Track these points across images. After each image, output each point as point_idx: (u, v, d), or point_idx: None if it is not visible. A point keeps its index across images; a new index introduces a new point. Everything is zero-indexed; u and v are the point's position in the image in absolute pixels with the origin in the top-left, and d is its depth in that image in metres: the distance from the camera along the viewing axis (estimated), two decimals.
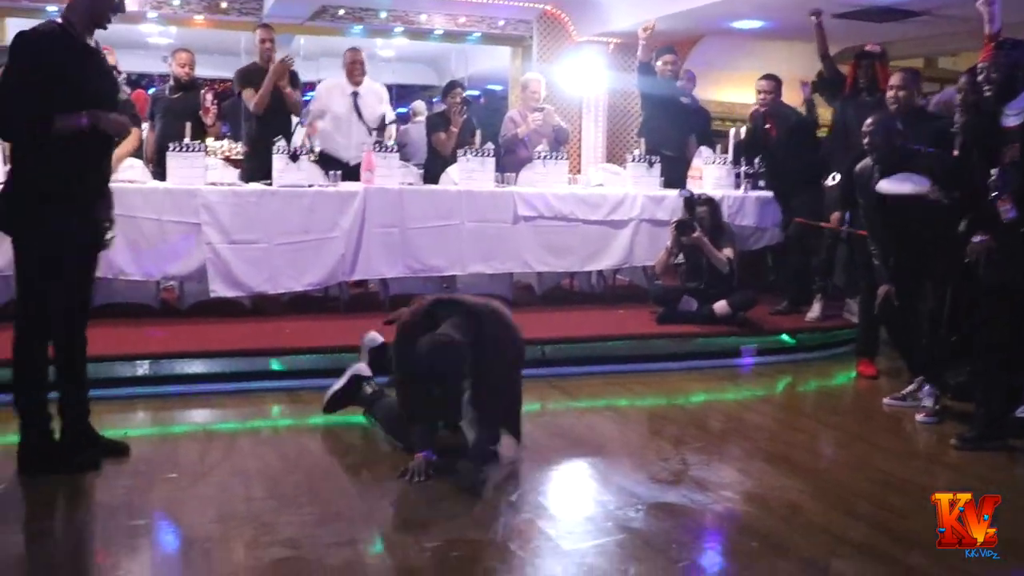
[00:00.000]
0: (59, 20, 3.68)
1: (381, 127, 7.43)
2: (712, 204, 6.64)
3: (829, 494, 3.85)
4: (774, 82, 7.18)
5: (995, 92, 4.35)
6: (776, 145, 7.19)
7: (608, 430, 4.82)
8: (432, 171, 7.45)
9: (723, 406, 5.29)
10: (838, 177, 6.61)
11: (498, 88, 14.26)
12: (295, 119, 7.44)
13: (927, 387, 5.14)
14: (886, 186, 5.01)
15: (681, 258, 6.62)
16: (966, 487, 3.88)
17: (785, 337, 6.51)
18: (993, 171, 4.20)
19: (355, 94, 7.30)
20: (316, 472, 3.90)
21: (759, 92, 7.18)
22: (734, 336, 6.34)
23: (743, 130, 7.77)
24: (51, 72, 3.53)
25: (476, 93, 13.58)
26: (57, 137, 3.51)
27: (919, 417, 5.01)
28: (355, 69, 7.33)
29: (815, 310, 6.88)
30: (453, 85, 7.85)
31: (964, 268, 5.01)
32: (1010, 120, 4.29)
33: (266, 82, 6.75)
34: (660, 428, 4.83)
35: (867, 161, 5.23)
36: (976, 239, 4.45)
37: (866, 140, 5.09)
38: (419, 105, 11.04)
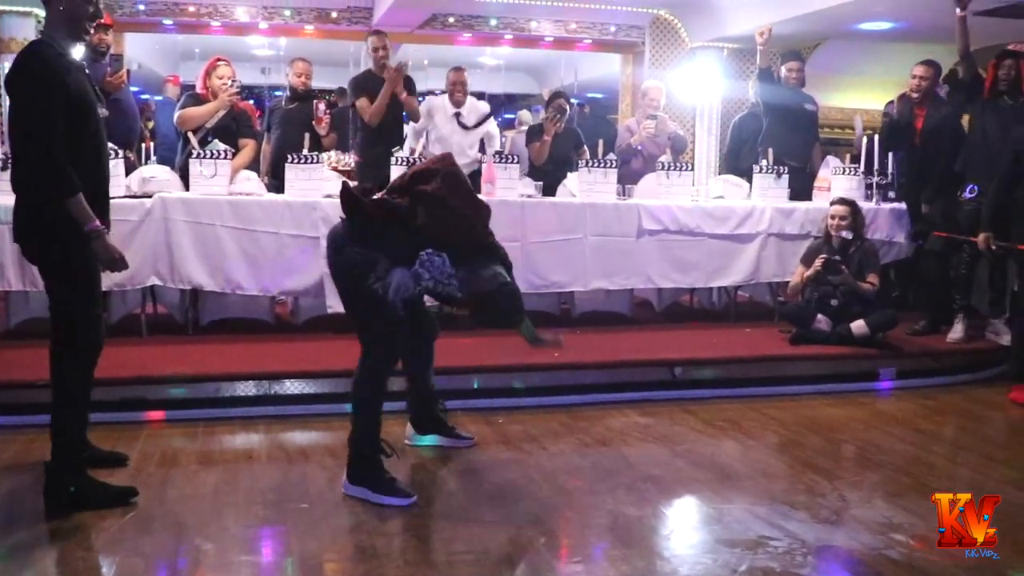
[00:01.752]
0: (43, 40, 3.49)
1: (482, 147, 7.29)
2: (862, 241, 6.33)
3: (1017, 542, 3.49)
4: (933, 69, 6.75)
5: None
6: (922, 140, 6.77)
7: (753, 460, 4.51)
8: (546, 183, 7.23)
9: (870, 434, 4.92)
10: (976, 190, 6.21)
11: (600, 96, 14.03)
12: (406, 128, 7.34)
13: None
14: None
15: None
16: None
17: (927, 360, 6.11)
18: None
19: (457, 115, 7.18)
20: (455, 506, 3.71)
21: (914, 77, 6.75)
22: (872, 358, 5.97)
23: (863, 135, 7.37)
24: (68, 100, 3.39)
25: (577, 102, 13.37)
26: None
27: None
28: (456, 90, 7.22)
29: (957, 331, 6.45)
30: (556, 95, 7.64)
31: None
32: None
33: (382, 93, 6.64)
34: (808, 459, 4.49)
35: None
36: None
37: None
38: (525, 115, 10.88)
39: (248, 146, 6.40)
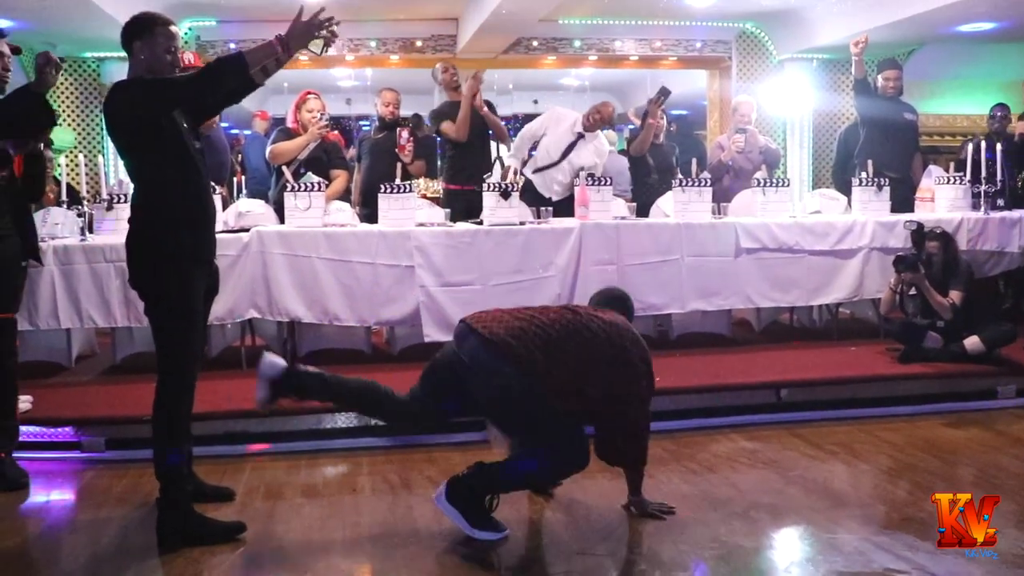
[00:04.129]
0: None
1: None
2: (946, 239, 6.01)
3: None
4: None
5: None
6: None
7: (868, 485, 4.33)
8: (640, 203, 7.13)
9: (992, 456, 4.67)
10: None
11: (686, 113, 13.86)
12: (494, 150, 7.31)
13: None
14: None
15: (913, 290, 6.01)
16: None
17: None
18: None
19: (580, 135, 7.07)
20: (561, 540, 3.61)
21: None
22: (990, 375, 5.70)
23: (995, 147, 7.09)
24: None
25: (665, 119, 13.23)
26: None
27: None
28: (594, 121, 7.06)
29: None
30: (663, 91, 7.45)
31: None
32: None
33: (463, 102, 6.65)
34: (927, 483, 4.26)
35: None
36: None
37: None
38: (611, 135, 10.78)
39: (340, 176, 6.46)
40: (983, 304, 6.36)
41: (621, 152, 8.63)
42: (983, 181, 6.93)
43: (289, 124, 6.47)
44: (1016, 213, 6.84)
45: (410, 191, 6.04)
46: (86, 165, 6.37)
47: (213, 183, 5.81)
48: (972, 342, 5.76)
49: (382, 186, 6.02)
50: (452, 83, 6.95)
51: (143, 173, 3.57)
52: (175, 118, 3.54)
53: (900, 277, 5.84)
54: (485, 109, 6.87)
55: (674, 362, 5.86)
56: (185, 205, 3.56)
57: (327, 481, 4.35)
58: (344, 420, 4.89)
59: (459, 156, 7.03)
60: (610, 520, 3.79)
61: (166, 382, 3.53)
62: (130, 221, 3.59)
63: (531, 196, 6.85)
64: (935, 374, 5.67)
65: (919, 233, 6.02)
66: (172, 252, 3.50)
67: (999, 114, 7.78)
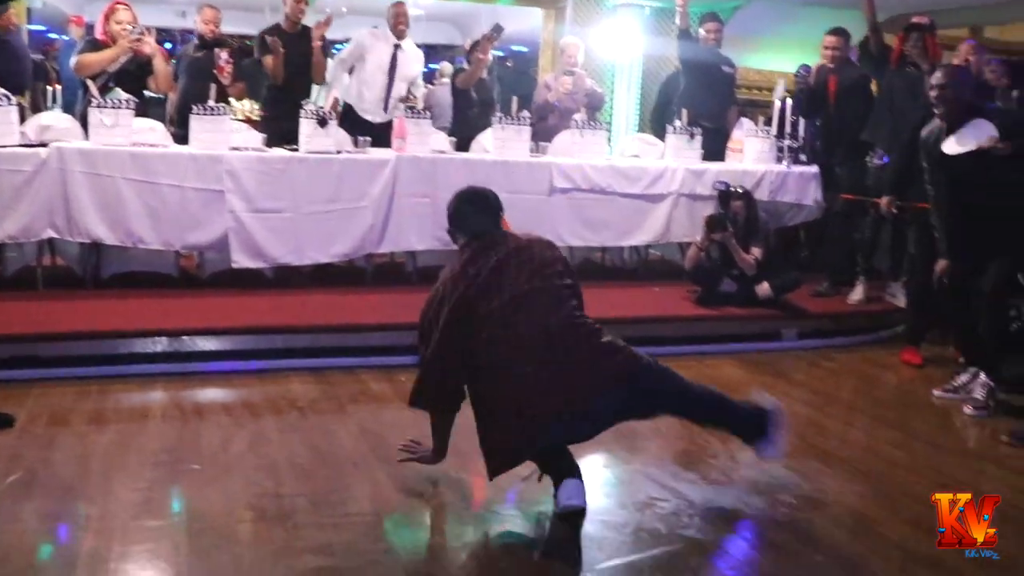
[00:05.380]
0: None
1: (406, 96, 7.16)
2: (748, 198, 6.34)
3: (893, 501, 3.62)
4: (842, 38, 6.86)
5: None
6: (835, 104, 6.87)
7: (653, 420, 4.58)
8: (460, 137, 7.17)
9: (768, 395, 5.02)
10: (884, 157, 6.32)
11: (524, 51, 13.91)
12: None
13: (981, 378, 4.90)
14: (953, 146, 4.73)
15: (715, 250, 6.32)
16: None
17: (827, 321, 6.26)
18: None
19: (397, 47, 6.96)
20: (346, 465, 3.67)
21: (826, 48, 6.85)
22: (776, 319, 6.10)
23: (784, 98, 7.44)
24: None
25: (501, 54, 13.23)
26: None
27: (967, 410, 4.80)
28: (400, 21, 6.94)
29: (858, 292, 6.62)
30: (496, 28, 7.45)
31: None
32: None
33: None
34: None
35: (933, 124, 4.95)
36: None
37: (935, 95, 4.80)
38: (446, 67, 10.75)
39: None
40: (778, 254, 6.75)
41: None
42: (786, 136, 7.29)
43: (97, 35, 6.14)
44: (813, 168, 7.24)
45: (224, 113, 5.87)
46: None
47: (9, 92, 5.54)
48: (762, 288, 6.13)
49: (194, 107, 5.83)
50: (296, 15, 6.69)
51: None
52: None
53: (709, 236, 6.12)
54: (320, 54, 6.71)
55: None
56: None
57: (118, 408, 4.28)
58: (141, 345, 4.79)
59: (277, 86, 6.81)
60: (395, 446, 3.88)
61: None
62: None
63: (353, 124, 6.75)
64: (726, 317, 6.02)
65: (726, 193, 6.31)
66: None
67: (804, 73, 8.15)
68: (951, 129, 4.77)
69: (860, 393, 5.34)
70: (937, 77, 4.80)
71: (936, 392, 5.09)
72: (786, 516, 3.43)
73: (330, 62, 7.22)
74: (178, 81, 6.90)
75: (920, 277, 5.52)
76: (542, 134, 7.15)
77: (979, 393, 4.85)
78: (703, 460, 3.94)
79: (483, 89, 7.47)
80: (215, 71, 6.51)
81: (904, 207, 5.77)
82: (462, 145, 6.94)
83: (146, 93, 6.40)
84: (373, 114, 6.94)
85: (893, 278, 6.79)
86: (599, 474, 3.76)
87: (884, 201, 5.91)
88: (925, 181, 5.06)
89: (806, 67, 7.53)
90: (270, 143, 6.18)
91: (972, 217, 4.79)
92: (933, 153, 4.88)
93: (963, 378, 5.05)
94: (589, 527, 3.22)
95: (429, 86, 10.20)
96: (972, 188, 4.73)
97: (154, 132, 6.01)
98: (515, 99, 6.67)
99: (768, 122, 7.51)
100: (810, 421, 4.68)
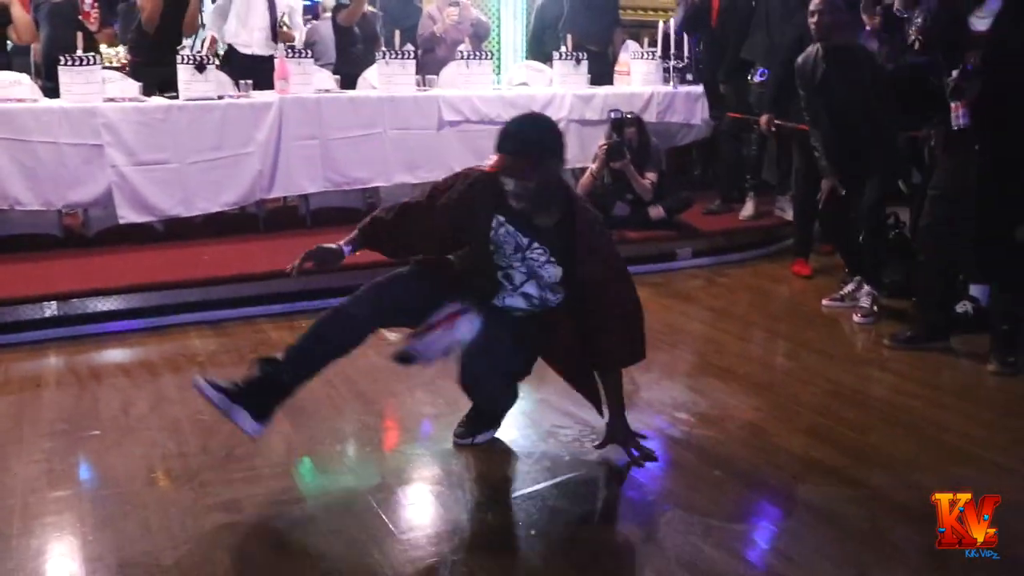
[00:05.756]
0: None
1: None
2: (640, 124, 6.39)
3: (786, 411, 3.78)
4: None
5: None
6: (717, 22, 6.94)
7: None
8: (345, 74, 7.03)
9: (664, 316, 5.13)
10: (766, 73, 6.43)
11: None
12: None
13: (865, 287, 5.11)
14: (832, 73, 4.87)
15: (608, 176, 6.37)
16: (911, 392, 3.97)
17: (720, 238, 6.41)
18: (954, 72, 4.03)
19: None
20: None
21: None
22: (670, 240, 6.21)
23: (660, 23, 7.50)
24: None
25: None
26: None
27: (856, 318, 5.00)
28: None
29: (748, 208, 6.79)
30: None
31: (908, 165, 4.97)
32: (979, 24, 4.08)
33: None
34: None
35: (809, 51, 5.06)
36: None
37: (813, 22, 4.90)
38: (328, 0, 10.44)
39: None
40: (670, 175, 6.85)
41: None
42: (672, 57, 7.35)
43: None
44: (699, 87, 7.33)
45: (95, 63, 5.63)
46: None
47: None
48: (655, 210, 6.23)
49: (62, 57, 5.57)
50: None
51: None
52: None
53: (607, 164, 6.13)
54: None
55: None
56: None
57: (7, 379, 4.12)
58: (29, 312, 4.63)
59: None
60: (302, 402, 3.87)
61: None
62: None
63: (234, 66, 6.54)
64: (622, 240, 6.07)
65: (620, 121, 6.33)
66: None
67: None
68: (828, 56, 4.89)
69: (754, 307, 5.50)
70: (815, 2, 4.89)
71: (825, 302, 5.29)
72: (686, 435, 3.54)
73: (207, 6, 6.98)
74: (40, 30, 6.57)
75: (803, 191, 5.69)
76: (429, 67, 7.06)
77: (865, 301, 5.05)
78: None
79: (366, 24, 7.31)
80: (80, 17, 6.22)
81: (783, 126, 5.90)
82: (348, 83, 6.81)
83: (8, 44, 6.09)
84: (260, 47, 6.70)
85: (781, 192, 6.96)
86: None
87: (763, 120, 6.03)
88: (802, 107, 5.19)
89: None
90: (147, 92, 5.97)
91: (847, 138, 4.95)
92: (810, 80, 5.00)
93: (849, 287, 5.26)
94: (497, 459, 3.30)
95: (313, 22, 9.94)
96: (847, 110, 4.87)
97: (21, 86, 5.74)
98: (398, 33, 6.55)
99: (653, 43, 7.55)
100: (708, 339, 4.82)
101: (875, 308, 5.03)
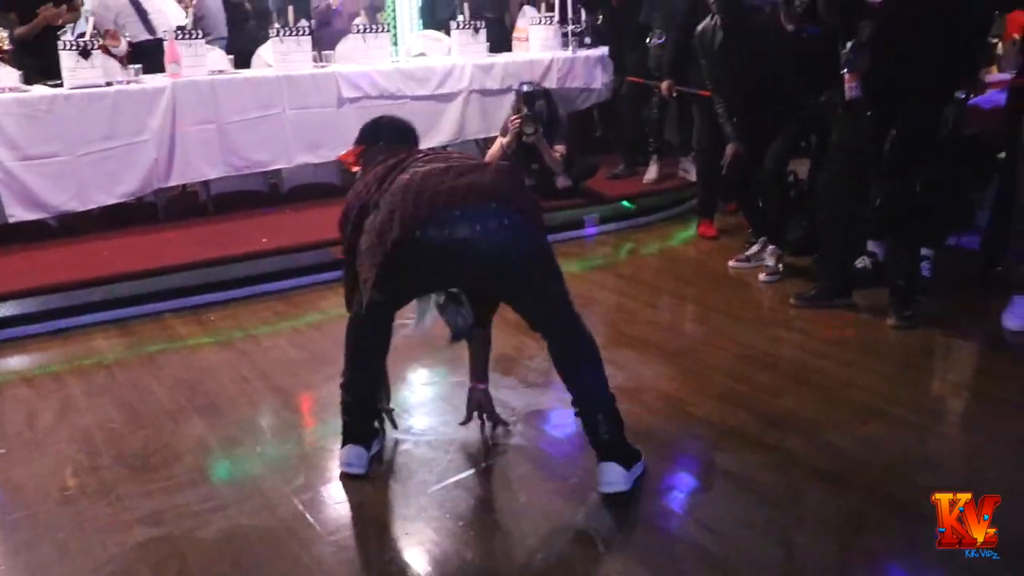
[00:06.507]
0: None
1: None
2: (548, 96, 6.37)
3: (699, 379, 3.86)
4: None
5: None
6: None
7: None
8: (237, 52, 6.85)
9: (575, 285, 5.07)
10: (663, 37, 6.46)
11: None
12: None
13: (769, 247, 5.22)
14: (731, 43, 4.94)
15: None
16: (817, 351, 4.09)
17: (625, 203, 6.47)
18: (848, 44, 4.11)
19: None
20: (164, 421, 3.56)
21: None
22: (577, 207, 6.24)
23: None
24: None
25: None
26: None
27: (762, 277, 5.12)
28: None
29: (652, 172, 6.86)
30: None
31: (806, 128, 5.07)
32: None
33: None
34: (515, 317, 4.67)
35: (708, 21, 5.12)
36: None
37: None
38: None
39: None
40: (573, 140, 6.86)
41: None
42: (569, 22, 7.34)
43: None
44: (598, 51, 7.35)
45: None
46: None
47: None
48: (562, 180, 6.25)
49: None
50: None
51: None
52: None
53: (519, 137, 6.06)
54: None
55: (285, 219, 5.89)
56: None
57: None
58: None
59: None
60: (211, 393, 3.80)
61: None
62: None
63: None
64: None
65: (530, 94, 6.28)
66: None
67: None
68: (727, 27, 4.95)
69: (662, 272, 5.58)
70: None
71: (731, 263, 5.39)
72: None
73: None
74: None
75: (705, 154, 5.77)
76: (325, 41, 6.94)
77: (769, 260, 5.17)
78: (520, 363, 4.04)
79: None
80: None
81: (683, 92, 5.96)
82: (241, 61, 6.64)
83: None
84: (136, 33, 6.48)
85: (683, 153, 7.04)
86: (420, 393, 3.81)
87: (664, 86, 6.09)
88: (703, 75, 5.25)
89: None
90: (27, 80, 5.72)
91: (749, 104, 5.03)
92: (710, 48, 5.06)
93: (755, 248, 5.37)
94: (416, 449, 3.29)
95: None
96: (748, 78, 4.94)
97: None
98: (291, 8, 6.39)
99: (551, 8, 7.53)
100: (620, 307, 4.87)
101: (780, 267, 5.15)
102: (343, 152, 6.13)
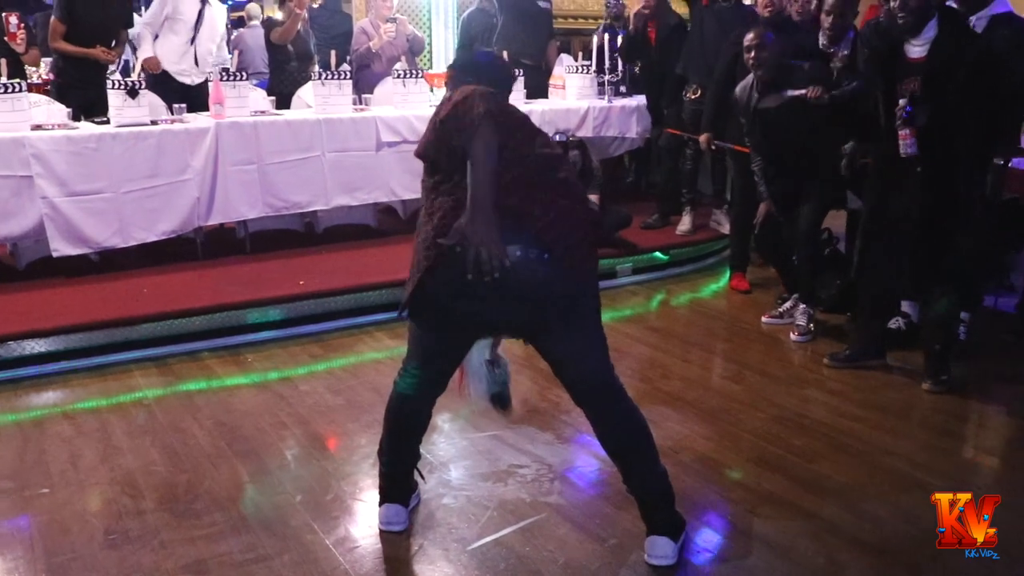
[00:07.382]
0: None
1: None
2: (583, 147, 6.44)
3: (734, 439, 3.87)
4: None
5: (910, 21, 4.11)
6: (655, 50, 7.01)
7: None
8: (279, 93, 6.94)
9: (609, 338, 5.16)
10: (698, 91, 6.51)
11: None
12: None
13: (801, 306, 5.23)
14: (768, 102, 4.98)
15: None
16: (852, 415, 4.08)
17: (659, 255, 6.49)
18: (902, 100, 4.13)
19: (204, 2, 6.60)
20: (205, 466, 3.60)
21: None
22: (610, 257, 6.26)
23: (617, 37, 7.56)
24: None
25: None
26: None
27: (793, 336, 5.13)
28: None
29: (685, 223, 6.88)
30: None
31: (843, 188, 5.11)
32: (914, 52, 4.21)
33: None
34: (547, 370, 4.68)
35: (746, 81, 5.17)
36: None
37: (751, 56, 5.00)
38: (253, 8, 10.31)
39: None
40: (605, 186, 6.91)
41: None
42: (606, 71, 7.41)
43: None
44: (634, 100, 7.42)
45: (21, 90, 5.46)
46: None
47: None
48: None
49: None
50: None
51: None
52: None
53: None
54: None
55: (320, 260, 5.94)
56: None
57: None
58: None
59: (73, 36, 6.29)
60: (250, 439, 3.83)
61: None
62: None
63: (167, 89, 6.41)
64: None
65: (565, 144, 6.35)
66: None
67: (612, 1, 8.26)
68: (763, 90, 5.00)
69: (694, 325, 5.58)
70: (750, 38, 4.99)
71: (764, 319, 5.41)
72: None
73: (137, 21, 6.82)
74: None
75: (739, 208, 5.81)
76: (364, 83, 7.03)
77: (801, 319, 5.18)
78: (556, 418, 4.06)
79: (300, 42, 7.23)
80: (5, 39, 6.03)
81: (721, 146, 6.01)
82: (282, 101, 6.74)
83: None
84: (189, 76, 6.62)
85: (716, 205, 7.08)
86: (456, 446, 3.82)
87: (703, 139, 6.14)
88: (744, 133, 5.30)
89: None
90: (75, 116, 5.82)
91: (786, 165, 5.07)
92: (748, 108, 5.11)
93: (787, 304, 5.38)
94: (454, 504, 3.31)
95: (239, 30, 9.80)
96: (785, 139, 4.99)
97: None
98: (333, 53, 6.49)
99: (588, 55, 7.61)
100: (653, 362, 4.88)
101: (811, 326, 5.16)
102: (379, 195, 6.26)
